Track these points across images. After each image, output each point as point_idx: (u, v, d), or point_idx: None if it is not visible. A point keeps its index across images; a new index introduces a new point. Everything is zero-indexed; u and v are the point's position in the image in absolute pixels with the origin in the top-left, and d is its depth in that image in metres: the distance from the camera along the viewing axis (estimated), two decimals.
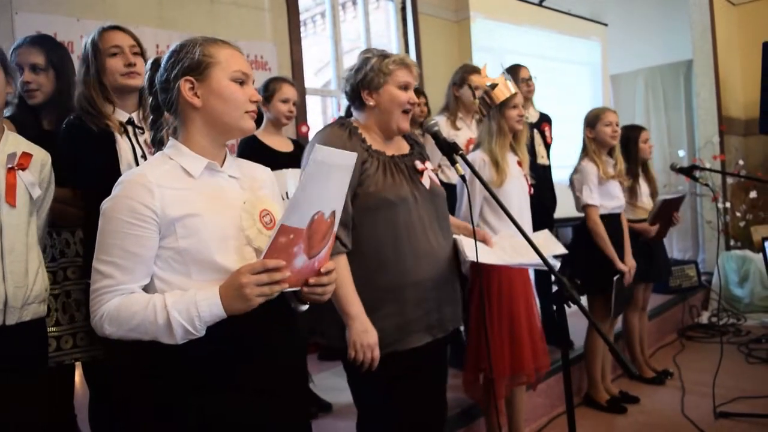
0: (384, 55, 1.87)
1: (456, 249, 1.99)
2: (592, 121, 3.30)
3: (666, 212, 3.59)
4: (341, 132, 1.84)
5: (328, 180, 1.20)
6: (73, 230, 2.08)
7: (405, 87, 1.86)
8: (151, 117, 1.42)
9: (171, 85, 1.33)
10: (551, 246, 2.28)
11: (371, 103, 1.87)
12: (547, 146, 3.79)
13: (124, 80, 1.92)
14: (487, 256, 1.93)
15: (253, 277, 1.17)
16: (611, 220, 3.25)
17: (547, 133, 3.78)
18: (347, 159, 1.24)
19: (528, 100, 3.73)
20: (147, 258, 1.25)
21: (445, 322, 1.92)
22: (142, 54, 1.98)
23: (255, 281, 1.18)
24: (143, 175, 1.26)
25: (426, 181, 1.90)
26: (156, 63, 1.39)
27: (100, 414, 2.17)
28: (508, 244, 2.10)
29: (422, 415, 1.92)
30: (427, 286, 1.85)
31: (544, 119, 3.84)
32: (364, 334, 1.73)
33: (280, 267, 1.19)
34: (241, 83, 1.35)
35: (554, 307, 1.87)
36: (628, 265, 3.22)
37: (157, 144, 1.43)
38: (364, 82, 1.86)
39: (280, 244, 1.17)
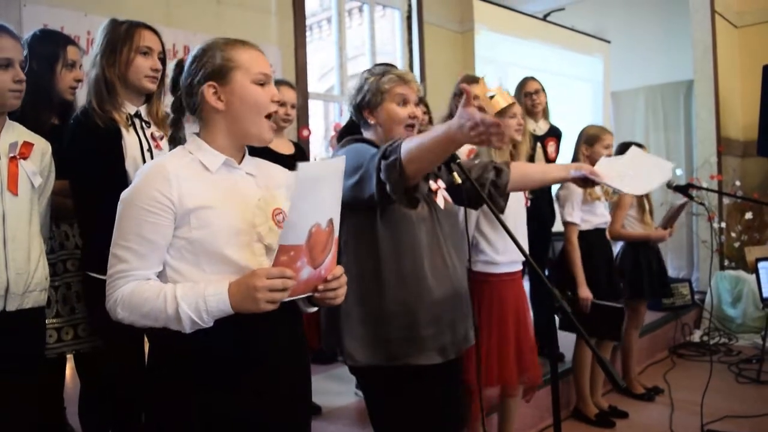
0: (383, 73, 1.88)
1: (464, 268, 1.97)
2: (592, 140, 3.28)
3: (674, 217, 3.71)
4: (369, 147, 1.82)
5: (318, 193, 1.21)
6: (72, 223, 2.09)
7: (404, 103, 1.87)
8: (173, 116, 1.46)
9: (195, 89, 1.37)
10: (657, 173, 2.22)
11: (372, 121, 1.89)
12: (549, 161, 3.79)
13: (146, 82, 1.93)
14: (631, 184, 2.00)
15: (268, 282, 1.20)
16: (597, 235, 3.28)
17: (550, 149, 3.77)
18: (334, 166, 1.26)
19: (536, 113, 3.74)
20: (161, 246, 1.29)
21: (459, 343, 1.90)
22: (163, 62, 1.99)
23: (269, 286, 1.20)
24: (162, 166, 1.30)
25: (440, 201, 1.90)
26: (180, 65, 1.42)
27: (91, 407, 2.18)
28: (618, 170, 2.08)
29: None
30: (442, 307, 1.83)
31: (553, 133, 3.82)
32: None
33: (293, 276, 1.22)
34: (263, 84, 1.37)
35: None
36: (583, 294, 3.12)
37: (175, 142, 1.46)
38: (363, 101, 1.88)
39: (282, 262, 1.20)
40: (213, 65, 1.35)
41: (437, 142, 1.52)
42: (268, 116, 1.39)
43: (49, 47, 2.14)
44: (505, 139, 1.41)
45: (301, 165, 1.15)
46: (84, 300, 2.01)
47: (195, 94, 1.37)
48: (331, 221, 1.27)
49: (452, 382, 1.99)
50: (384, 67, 1.92)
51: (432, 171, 1.96)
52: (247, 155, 1.44)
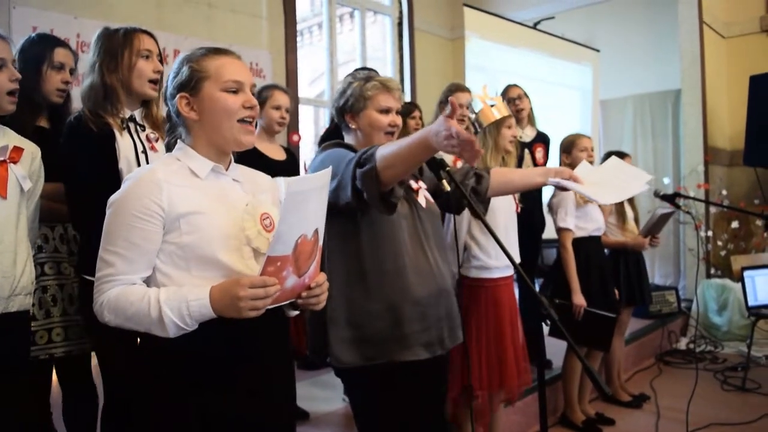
0: (367, 79, 1.89)
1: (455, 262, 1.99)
2: (568, 147, 3.35)
3: (657, 227, 3.70)
4: (347, 152, 1.83)
5: (306, 205, 1.23)
6: (52, 226, 2.08)
7: (386, 111, 1.89)
8: (168, 124, 1.48)
9: (173, 101, 1.40)
10: (633, 183, 2.21)
11: (353, 126, 1.91)
12: (537, 167, 3.81)
13: (148, 88, 1.92)
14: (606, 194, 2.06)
15: (251, 291, 1.21)
16: (592, 243, 3.31)
17: (538, 155, 3.79)
18: (322, 178, 1.28)
19: (521, 119, 3.77)
20: (149, 251, 1.30)
21: (445, 340, 1.91)
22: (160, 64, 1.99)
23: (251, 295, 1.21)
24: (153, 172, 1.32)
25: (422, 200, 1.91)
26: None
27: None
28: (596, 178, 2.11)
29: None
30: (426, 303, 1.85)
31: (540, 139, 3.85)
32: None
33: (276, 284, 1.24)
34: (235, 92, 1.38)
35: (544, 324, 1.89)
36: (577, 301, 3.14)
37: (171, 148, 1.47)
38: (346, 106, 1.90)
39: (269, 272, 1.22)
40: (182, 77, 1.39)
41: (412, 148, 1.55)
42: (244, 121, 1.39)
43: (38, 48, 2.13)
44: (478, 158, 1.43)
45: (290, 180, 1.18)
46: (79, 302, 2.00)
47: (173, 104, 1.40)
48: (316, 231, 1.30)
49: (439, 380, 2.00)
50: (368, 73, 1.94)
51: (415, 173, 1.98)
52: (232, 162, 1.47)
